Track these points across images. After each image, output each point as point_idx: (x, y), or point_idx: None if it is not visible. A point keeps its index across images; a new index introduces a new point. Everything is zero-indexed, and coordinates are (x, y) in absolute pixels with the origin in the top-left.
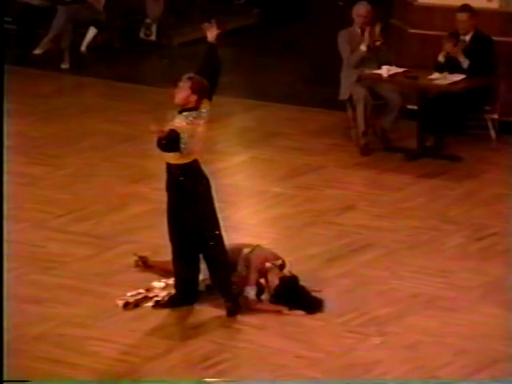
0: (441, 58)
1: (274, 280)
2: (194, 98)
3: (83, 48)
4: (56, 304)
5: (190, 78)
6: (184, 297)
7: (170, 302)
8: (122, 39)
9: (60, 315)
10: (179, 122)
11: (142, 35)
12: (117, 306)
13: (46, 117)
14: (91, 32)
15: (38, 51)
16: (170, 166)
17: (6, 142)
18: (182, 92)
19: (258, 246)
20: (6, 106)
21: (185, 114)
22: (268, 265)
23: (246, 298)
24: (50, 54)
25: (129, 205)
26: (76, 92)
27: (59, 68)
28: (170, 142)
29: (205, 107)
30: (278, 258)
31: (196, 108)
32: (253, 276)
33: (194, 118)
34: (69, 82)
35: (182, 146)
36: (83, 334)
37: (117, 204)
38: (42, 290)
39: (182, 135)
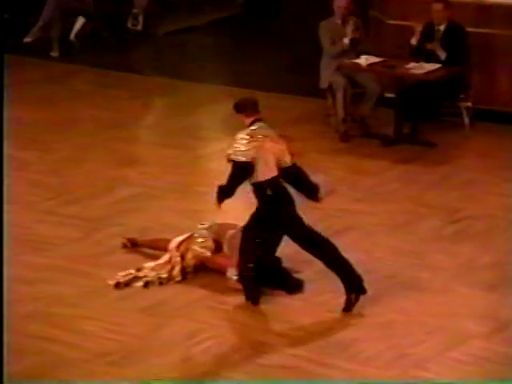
0: (413, 41)
1: None
2: (241, 116)
3: (72, 37)
4: (46, 284)
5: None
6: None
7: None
8: (110, 28)
9: (50, 295)
10: (237, 147)
11: (129, 25)
12: (107, 285)
13: (36, 103)
14: (80, 21)
15: (28, 39)
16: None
17: None
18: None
19: (242, 227)
20: None
21: (242, 135)
22: None
23: (230, 279)
24: (39, 42)
25: (116, 188)
26: (65, 79)
27: (49, 56)
28: (238, 175)
29: (257, 123)
30: None
31: (251, 125)
32: (235, 258)
33: (251, 136)
34: (58, 69)
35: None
36: (73, 313)
37: (105, 188)
38: (33, 271)
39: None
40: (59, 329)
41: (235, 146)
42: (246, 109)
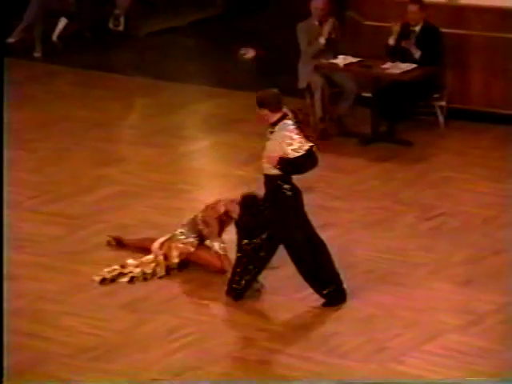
0: (391, 41)
1: (234, 209)
2: (265, 112)
3: (55, 37)
4: (30, 281)
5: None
6: None
7: None
8: (92, 29)
9: (34, 291)
10: (276, 143)
11: (110, 26)
12: (90, 282)
13: (19, 103)
14: (62, 22)
15: (11, 40)
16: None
17: None
18: (257, 115)
19: (206, 205)
20: None
21: (273, 133)
22: (222, 206)
23: (212, 246)
24: (23, 42)
25: (99, 187)
26: (48, 79)
27: (32, 56)
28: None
29: (289, 119)
30: (229, 199)
31: (279, 121)
32: (215, 228)
33: (287, 130)
34: (41, 69)
35: None
36: (56, 309)
37: (88, 186)
38: (18, 268)
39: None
40: (43, 325)
41: (290, 143)
42: (271, 104)
